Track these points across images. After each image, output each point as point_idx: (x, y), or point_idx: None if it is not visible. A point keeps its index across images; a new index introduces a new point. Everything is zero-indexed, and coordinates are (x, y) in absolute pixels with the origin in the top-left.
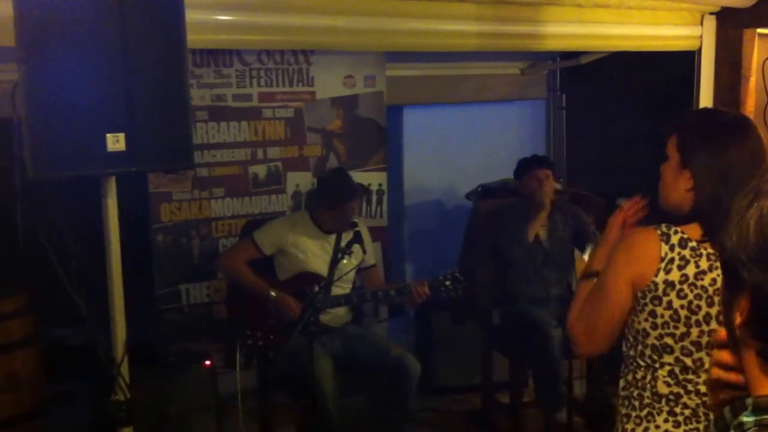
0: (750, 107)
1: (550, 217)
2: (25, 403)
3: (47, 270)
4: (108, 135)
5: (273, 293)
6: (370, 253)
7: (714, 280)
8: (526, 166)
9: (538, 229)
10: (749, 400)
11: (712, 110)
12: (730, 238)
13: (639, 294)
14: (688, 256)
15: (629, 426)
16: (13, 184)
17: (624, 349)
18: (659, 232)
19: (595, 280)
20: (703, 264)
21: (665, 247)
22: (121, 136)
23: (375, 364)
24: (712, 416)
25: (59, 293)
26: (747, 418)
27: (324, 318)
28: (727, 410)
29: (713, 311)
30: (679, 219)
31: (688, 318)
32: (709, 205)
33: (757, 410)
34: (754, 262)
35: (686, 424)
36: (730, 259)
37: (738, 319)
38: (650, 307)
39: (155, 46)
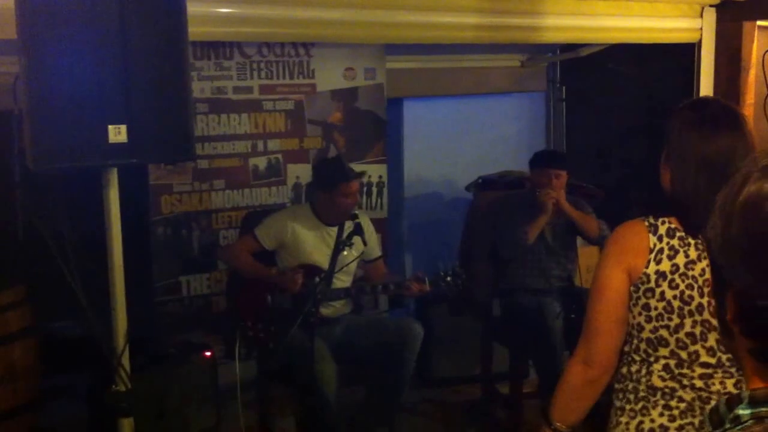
0: (750, 99)
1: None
2: (22, 394)
3: (46, 262)
4: (110, 126)
5: (273, 271)
6: (374, 245)
7: (704, 270)
8: (538, 161)
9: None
10: (745, 393)
11: (699, 101)
12: (715, 237)
13: (632, 288)
14: (677, 246)
15: (624, 419)
16: (12, 175)
17: None
18: (646, 223)
19: None
20: (692, 254)
21: (653, 238)
22: (123, 127)
23: (375, 347)
24: (707, 410)
25: (58, 285)
26: (743, 411)
27: (324, 310)
28: (722, 404)
29: (704, 301)
30: (666, 211)
31: (681, 309)
32: (681, 198)
33: (753, 403)
34: (738, 263)
35: (681, 418)
36: (715, 257)
37: (729, 316)
38: (644, 300)
39: (156, 39)
